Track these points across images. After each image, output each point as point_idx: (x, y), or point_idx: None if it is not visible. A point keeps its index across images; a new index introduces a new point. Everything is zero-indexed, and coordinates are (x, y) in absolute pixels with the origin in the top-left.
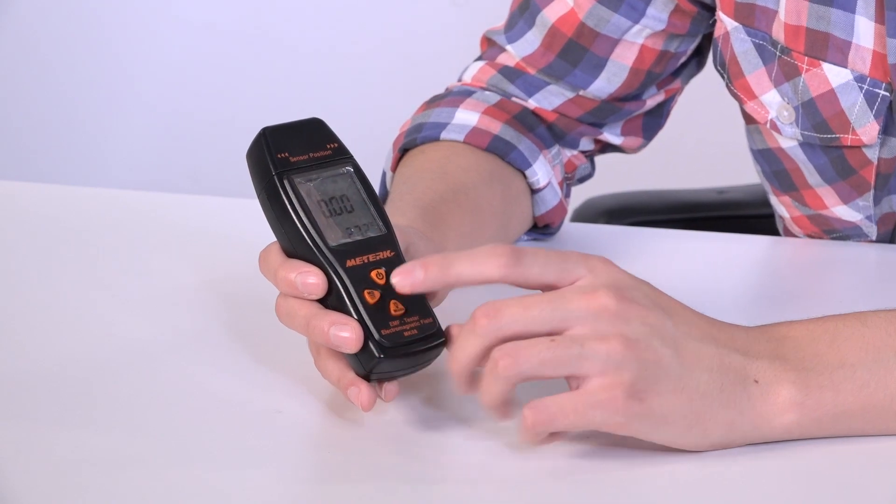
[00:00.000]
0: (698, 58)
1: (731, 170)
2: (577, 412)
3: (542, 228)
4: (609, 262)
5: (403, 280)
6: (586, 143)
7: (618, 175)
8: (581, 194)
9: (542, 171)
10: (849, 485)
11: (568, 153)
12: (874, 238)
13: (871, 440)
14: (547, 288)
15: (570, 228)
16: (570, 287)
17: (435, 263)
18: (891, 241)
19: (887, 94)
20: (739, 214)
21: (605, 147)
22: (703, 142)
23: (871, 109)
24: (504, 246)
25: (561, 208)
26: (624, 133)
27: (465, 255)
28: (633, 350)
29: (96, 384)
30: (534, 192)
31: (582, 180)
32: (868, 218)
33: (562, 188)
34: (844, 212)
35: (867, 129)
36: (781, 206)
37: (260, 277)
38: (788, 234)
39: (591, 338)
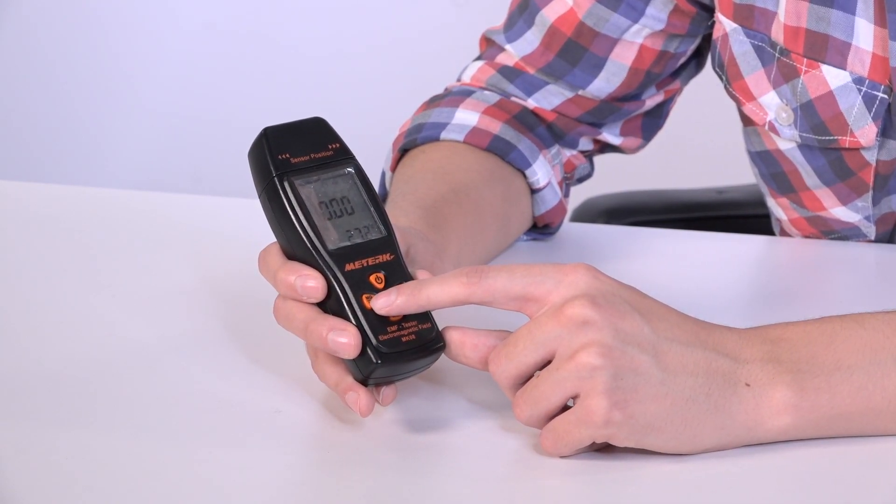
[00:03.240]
0: (698, 59)
1: (730, 170)
2: (569, 432)
3: (541, 228)
4: (587, 268)
5: (383, 305)
6: (585, 143)
7: (617, 175)
8: (581, 194)
9: (542, 171)
10: (848, 485)
11: (567, 153)
12: (873, 238)
13: (870, 440)
14: (519, 301)
15: (569, 228)
16: (543, 310)
17: (408, 287)
18: (889, 241)
19: (886, 96)
20: (739, 214)
21: (605, 147)
22: (702, 142)
23: (870, 112)
24: (470, 266)
25: (560, 208)
26: (623, 133)
27: (436, 279)
28: (605, 357)
29: (96, 384)
30: (534, 191)
31: (581, 180)
32: (867, 218)
33: (561, 188)
34: (843, 213)
35: (865, 131)
36: (779, 209)
37: (260, 278)
38: (785, 236)
39: (565, 356)
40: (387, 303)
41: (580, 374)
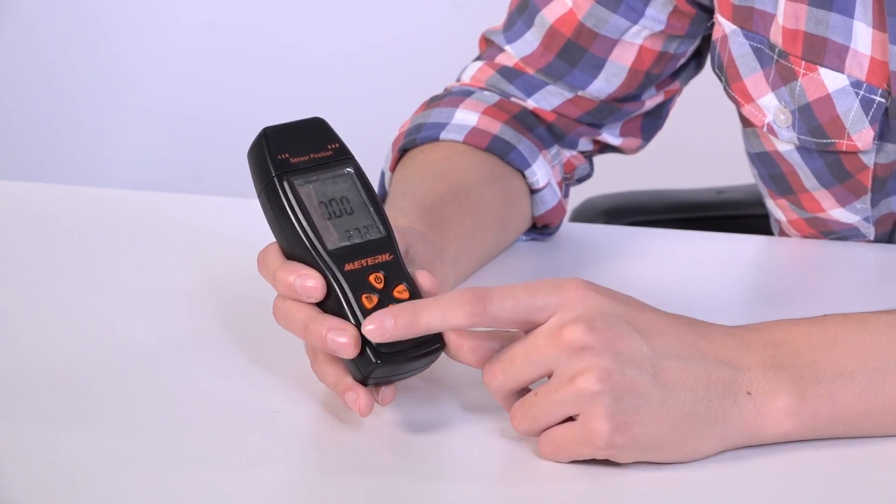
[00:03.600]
0: (697, 59)
1: (730, 170)
2: (569, 448)
3: (541, 228)
4: (585, 285)
5: (375, 330)
6: (585, 144)
7: (617, 175)
8: (580, 194)
9: (542, 172)
10: (847, 485)
11: (567, 153)
12: (872, 238)
13: (869, 440)
14: (520, 325)
15: (569, 228)
16: (540, 329)
17: (404, 314)
18: (889, 241)
19: (883, 100)
20: (738, 214)
21: (604, 147)
22: (702, 142)
23: (867, 116)
24: (472, 291)
25: (560, 208)
26: (623, 134)
27: (434, 303)
28: (604, 382)
29: (95, 384)
30: (533, 192)
31: (581, 180)
32: (866, 220)
33: (561, 188)
34: (842, 214)
35: (862, 134)
36: (778, 210)
37: (260, 278)
38: (784, 236)
39: (564, 379)
40: (379, 330)
41: (579, 398)
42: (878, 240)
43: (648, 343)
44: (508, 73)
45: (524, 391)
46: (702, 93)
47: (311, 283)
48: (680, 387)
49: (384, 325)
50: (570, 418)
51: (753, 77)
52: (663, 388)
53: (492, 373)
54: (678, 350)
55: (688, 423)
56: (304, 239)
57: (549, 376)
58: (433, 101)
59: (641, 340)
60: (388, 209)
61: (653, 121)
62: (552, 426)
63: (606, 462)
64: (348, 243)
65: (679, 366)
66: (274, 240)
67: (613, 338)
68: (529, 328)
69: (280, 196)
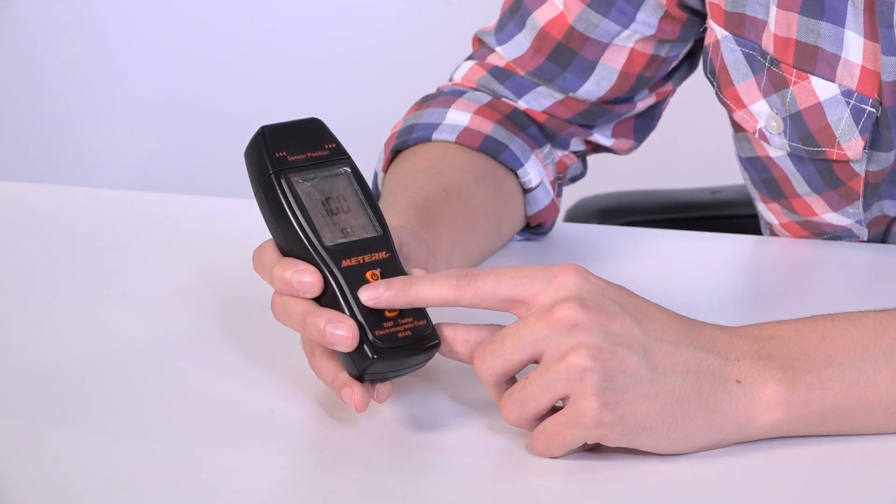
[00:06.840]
0: (690, 59)
1: (724, 170)
2: (560, 433)
3: (534, 228)
4: (576, 269)
5: (370, 297)
6: (577, 144)
7: (611, 175)
8: (575, 194)
9: (534, 171)
10: (839, 484)
11: (559, 153)
12: (865, 239)
13: (862, 439)
14: (507, 303)
15: (563, 228)
16: (533, 311)
17: (397, 282)
18: (882, 242)
19: (874, 110)
20: (733, 214)
21: (597, 148)
22: (696, 142)
23: (857, 125)
24: (461, 269)
25: (553, 207)
26: (615, 135)
27: (426, 277)
28: (595, 359)
29: (92, 383)
30: (526, 191)
31: (574, 180)
32: (858, 222)
33: (553, 188)
34: (834, 218)
35: (852, 144)
36: (770, 213)
37: (255, 277)
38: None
39: (554, 358)
40: (374, 294)
41: (570, 375)
42: (871, 240)
43: (640, 326)
44: (499, 74)
45: (511, 382)
46: (696, 93)
47: (307, 278)
48: (670, 370)
49: (378, 291)
50: (560, 409)
51: (745, 83)
52: (654, 369)
53: (482, 356)
54: (669, 335)
55: (678, 406)
56: (302, 235)
57: (538, 363)
58: (425, 101)
59: (633, 322)
60: (381, 209)
61: (645, 122)
62: (542, 415)
63: (599, 458)
64: (345, 240)
65: (670, 350)
66: (269, 238)
67: (605, 317)
68: (518, 311)
69: (278, 193)
